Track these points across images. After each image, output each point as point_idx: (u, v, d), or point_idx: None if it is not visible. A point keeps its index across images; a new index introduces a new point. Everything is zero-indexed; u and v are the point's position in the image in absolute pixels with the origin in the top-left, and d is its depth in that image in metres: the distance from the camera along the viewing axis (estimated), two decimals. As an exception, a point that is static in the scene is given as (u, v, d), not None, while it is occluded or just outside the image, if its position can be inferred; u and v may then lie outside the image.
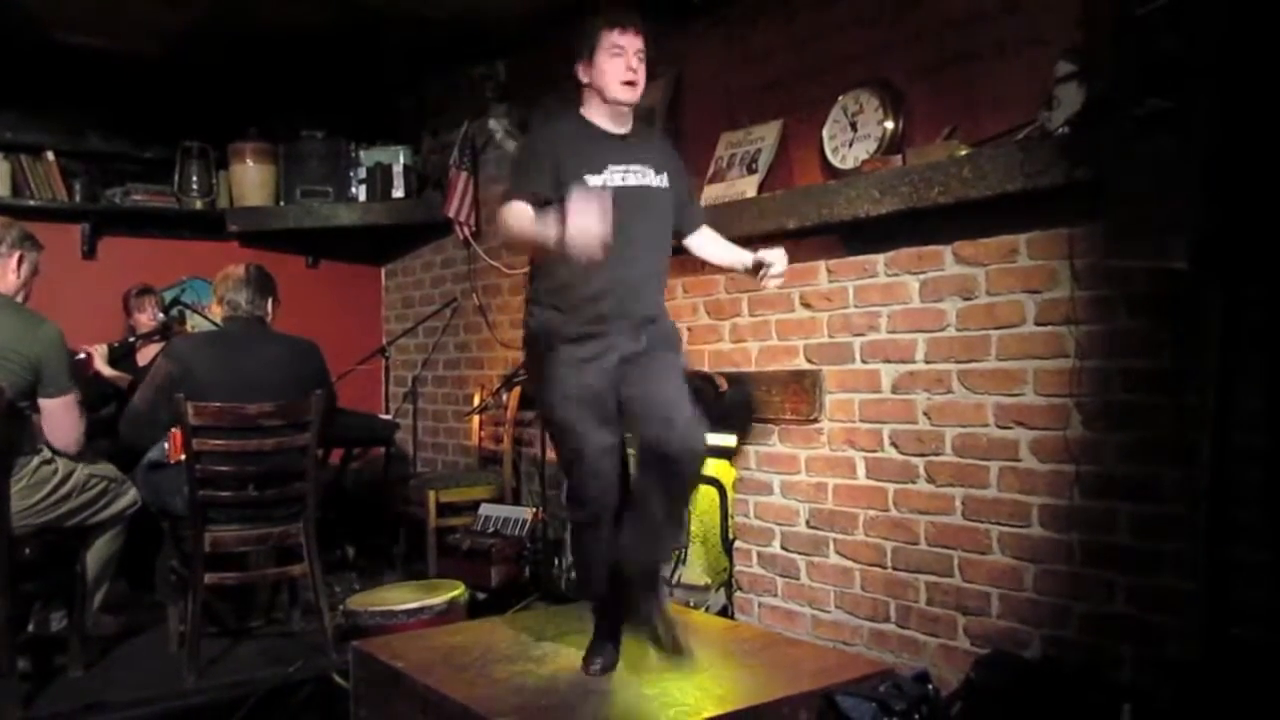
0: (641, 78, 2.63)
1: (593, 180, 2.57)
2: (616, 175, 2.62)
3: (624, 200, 2.55)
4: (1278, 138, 2.08)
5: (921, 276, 3.12)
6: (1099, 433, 2.67)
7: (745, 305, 3.71)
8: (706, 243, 2.90)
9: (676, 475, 2.52)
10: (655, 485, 2.54)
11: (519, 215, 2.46)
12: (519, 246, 2.67)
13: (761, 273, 2.72)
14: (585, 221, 2.17)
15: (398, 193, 5.40)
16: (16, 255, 3.26)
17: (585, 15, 2.67)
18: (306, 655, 3.42)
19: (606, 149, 2.64)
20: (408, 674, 2.68)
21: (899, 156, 3.10)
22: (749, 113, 3.75)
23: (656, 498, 2.55)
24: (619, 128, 2.67)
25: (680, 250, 2.86)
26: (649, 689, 2.56)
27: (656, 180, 2.69)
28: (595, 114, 2.66)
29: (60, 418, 3.22)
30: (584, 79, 2.65)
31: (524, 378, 4.43)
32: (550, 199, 2.48)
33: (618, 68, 2.58)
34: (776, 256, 2.72)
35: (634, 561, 2.65)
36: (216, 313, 3.68)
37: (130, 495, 3.48)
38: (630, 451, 2.69)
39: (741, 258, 2.81)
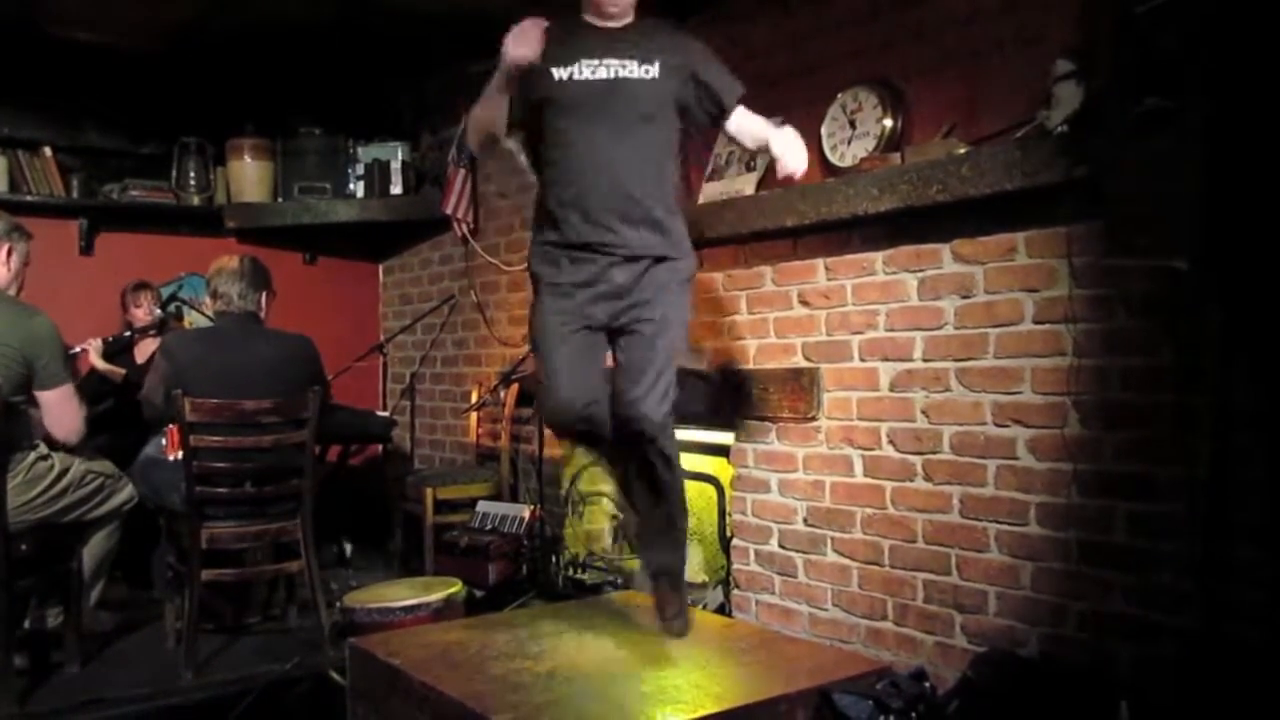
0: None
1: (558, 73, 2.55)
2: (587, 68, 2.56)
3: (591, 92, 2.56)
4: (1276, 136, 2.08)
5: (920, 275, 3.12)
6: (1097, 431, 2.67)
7: (744, 303, 3.71)
8: (740, 126, 2.75)
9: (639, 447, 2.60)
10: (633, 467, 2.66)
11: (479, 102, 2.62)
12: (483, 124, 2.69)
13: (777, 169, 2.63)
14: (512, 35, 2.46)
15: (396, 189, 5.39)
16: (6, 247, 3.26)
17: None
18: (303, 652, 3.42)
19: (586, 43, 2.59)
20: (405, 671, 2.68)
21: (897, 154, 3.10)
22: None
23: (640, 485, 2.70)
24: (610, 23, 2.62)
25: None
26: (646, 686, 2.56)
27: (639, 71, 2.57)
28: (587, 13, 2.64)
29: (59, 409, 3.22)
30: None
31: (523, 371, 4.44)
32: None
33: None
34: (783, 148, 2.62)
35: (650, 563, 2.80)
36: (211, 306, 3.67)
37: (127, 491, 3.48)
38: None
39: (762, 140, 2.72)
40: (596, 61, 2.55)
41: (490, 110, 2.67)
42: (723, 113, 2.71)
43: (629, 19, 2.64)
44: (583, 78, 2.54)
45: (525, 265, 2.77)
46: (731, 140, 2.83)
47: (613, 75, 2.55)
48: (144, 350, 4.61)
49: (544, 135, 2.63)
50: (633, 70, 2.56)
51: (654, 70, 2.57)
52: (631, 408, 2.56)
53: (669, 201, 2.65)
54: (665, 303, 2.60)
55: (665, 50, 2.60)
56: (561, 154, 2.60)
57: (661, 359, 2.58)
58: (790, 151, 2.62)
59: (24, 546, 3.16)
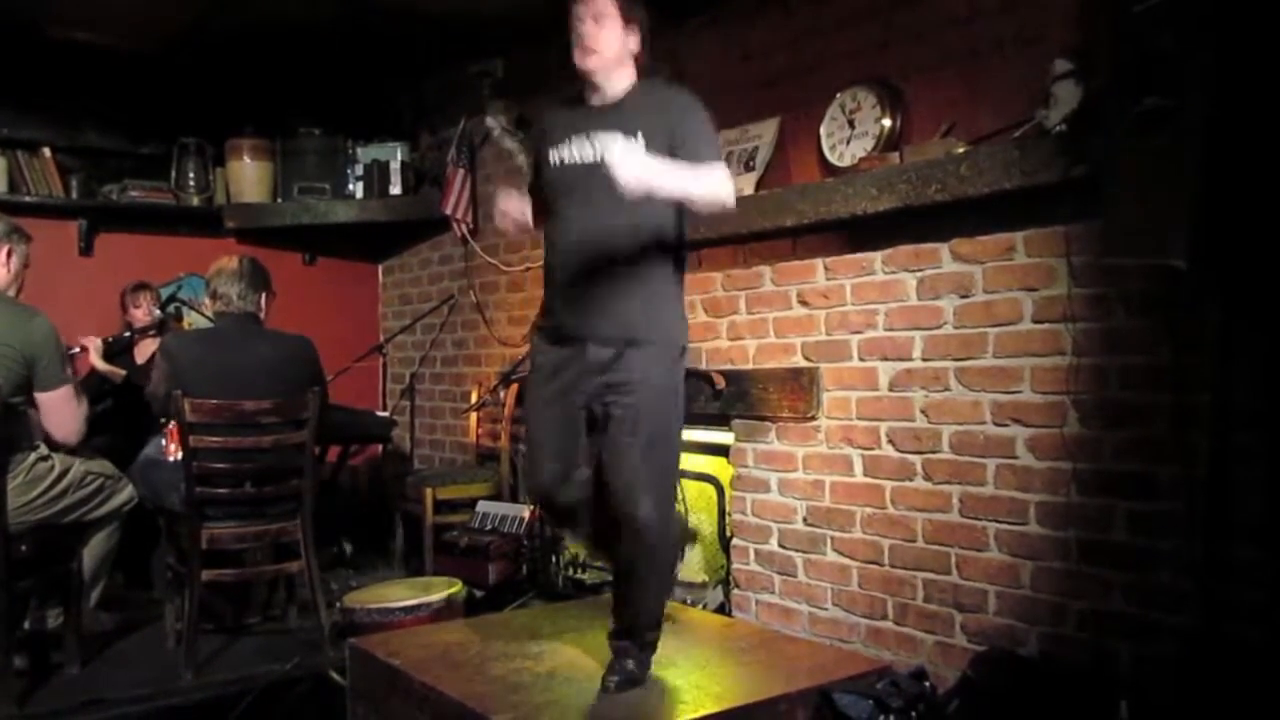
0: (596, 40, 2.47)
1: (553, 156, 2.56)
2: (575, 148, 2.52)
3: (577, 174, 2.51)
4: (1275, 135, 2.08)
5: (919, 274, 3.12)
6: (1096, 430, 2.67)
7: (743, 303, 3.71)
8: None
9: (619, 539, 2.54)
10: (614, 547, 2.61)
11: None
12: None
13: None
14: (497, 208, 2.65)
15: (395, 190, 5.39)
16: (5, 249, 3.26)
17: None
18: (303, 652, 3.42)
19: (577, 120, 2.56)
20: (405, 671, 2.68)
21: (896, 154, 3.10)
22: (746, 110, 3.75)
23: (616, 562, 2.67)
24: (600, 97, 2.56)
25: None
26: (646, 686, 2.56)
27: (603, 154, 2.44)
28: (584, 87, 2.59)
29: (60, 409, 3.22)
30: None
31: (523, 372, 4.44)
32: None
33: (574, 38, 2.50)
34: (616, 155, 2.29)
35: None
36: (211, 307, 3.67)
37: (127, 492, 3.48)
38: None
39: None
40: (584, 139, 2.51)
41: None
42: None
43: (623, 86, 2.55)
44: (571, 160, 2.52)
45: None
46: None
47: (597, 156, 2.45)
48: (144, 351, 4.61)
49: (544, 213, 2.65)
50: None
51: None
52: (610, 495, 2.50)
53: (653, 283, 2.52)
54: (642, 391, 2.47)
55: (649, 117, 2.49)
56: (551, 232, 2.61)
57: (635, 451, 2.45)
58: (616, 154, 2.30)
59: (24, 547, 3.16)
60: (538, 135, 2.67)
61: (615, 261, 2.49)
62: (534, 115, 4.88)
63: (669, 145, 2.44)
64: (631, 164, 2.25)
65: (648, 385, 2.48)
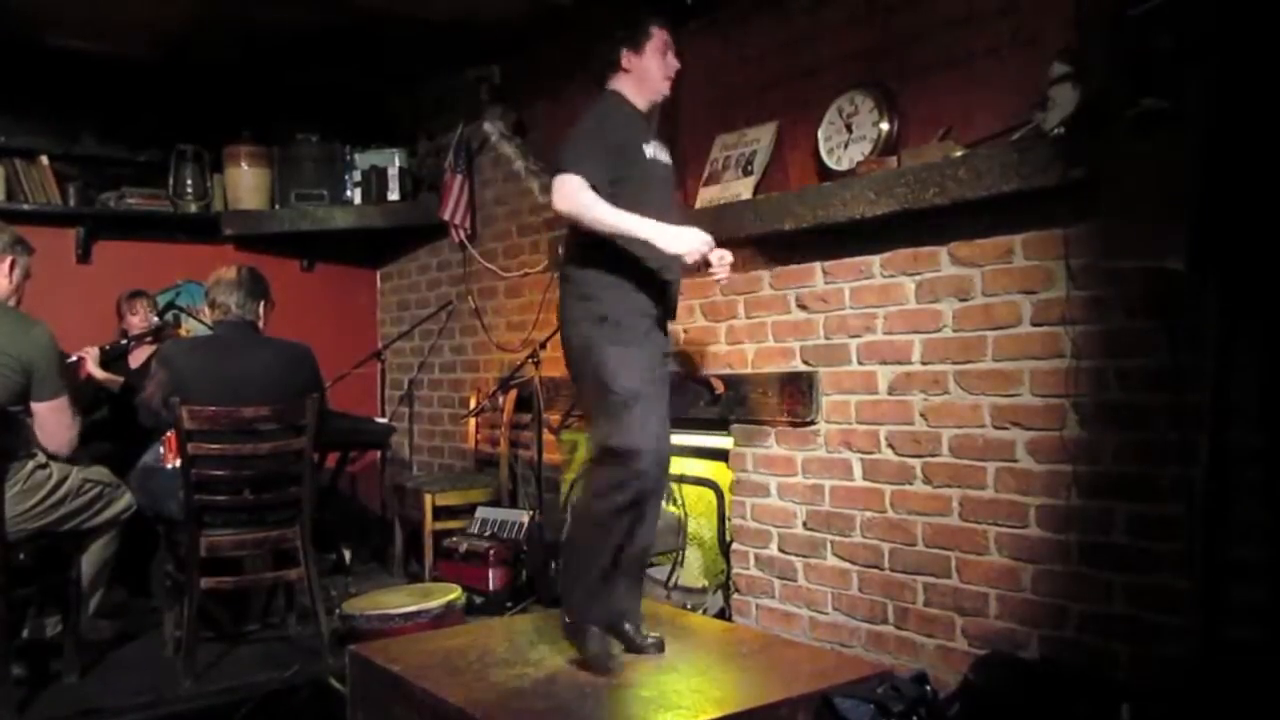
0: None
1: (645, 148, 2.80)
2: (654, 149, 2.84)
3: (659, 171, 2.86)
4: (1272, 136, 2.09)
5: (917, 278, 3.12)
6: (1095, 433, 2.67)
7: (742, 307, 3.71)
8: None
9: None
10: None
11: (606, 207, 2.62)
12: (599, 232, 2.67)
13: None
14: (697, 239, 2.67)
15: (393, 196, 5.39)
16: (9, 260, 3.26)
17: (631, 7, 2.88)
18: (303, 659, 3.42)
19: (643, 126, 2.86)
20: (405, 677, 2.68)
21: (894, 158, 3.11)
22: (744, 114, 3.76)
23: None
24: (647, 110, 2.90)
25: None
26: (646, 691, 2.56)
27: (665, 157, 2.91)
28: (632, 96, 2.85)
29: (52, 421, 3.21)
30: (626, 66, 2.84)
31: (521, 377, 4.44)
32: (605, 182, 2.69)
33: (668, 64, 2.86)
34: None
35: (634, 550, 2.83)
36: (210, 316, 3.67)
37: (125, 500, 3.47)
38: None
39: None
40: (654, 144, 2.85)
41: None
42: None
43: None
44: (653, 157, 2.83)
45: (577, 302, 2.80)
46: None
47: (666, 159, 2.92)
48: (140, 358, 4.60)
49: (625, 201, 2.71)
50: (666, 156, 2.93)
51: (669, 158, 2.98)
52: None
53: None
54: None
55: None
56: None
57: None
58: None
59: (22, 555, 3.15)
60: (621, 125, 2.79)
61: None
62: (531, 119, 4.92)
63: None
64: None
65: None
